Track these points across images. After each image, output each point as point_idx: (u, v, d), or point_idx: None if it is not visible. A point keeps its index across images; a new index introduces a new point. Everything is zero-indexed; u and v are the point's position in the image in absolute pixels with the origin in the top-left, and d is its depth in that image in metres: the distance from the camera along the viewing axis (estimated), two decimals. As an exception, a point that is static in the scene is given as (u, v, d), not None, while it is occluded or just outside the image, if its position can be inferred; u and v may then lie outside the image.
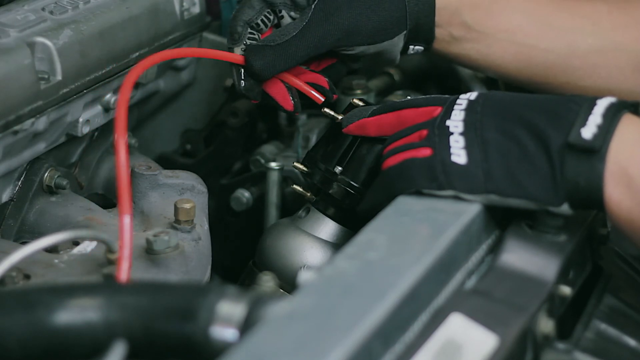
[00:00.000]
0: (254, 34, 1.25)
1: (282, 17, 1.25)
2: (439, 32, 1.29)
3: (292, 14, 1.25)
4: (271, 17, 1.25)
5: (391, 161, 1.10)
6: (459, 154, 1.05)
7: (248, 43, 1.24)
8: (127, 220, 1.01)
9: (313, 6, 1.22)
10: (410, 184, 1.07)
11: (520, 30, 1.31)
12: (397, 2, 1.26)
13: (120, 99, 1.06)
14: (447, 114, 1.09)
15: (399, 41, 1.28)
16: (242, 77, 1.25)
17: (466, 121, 1.07)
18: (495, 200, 1.05)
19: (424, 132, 1.09)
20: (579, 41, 1.31)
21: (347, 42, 1.25)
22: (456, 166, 1.05)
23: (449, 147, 1.06)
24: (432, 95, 1.16)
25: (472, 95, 1.10)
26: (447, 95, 1.13)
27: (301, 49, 1.22)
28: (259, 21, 1.25)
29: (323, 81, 1.28)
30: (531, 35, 1.31)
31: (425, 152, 1.07)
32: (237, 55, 1.24)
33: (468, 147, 1.05)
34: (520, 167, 1.03)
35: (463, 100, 1.10)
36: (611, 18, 1.32)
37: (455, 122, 1.07)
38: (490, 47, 1.31)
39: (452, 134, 1.07)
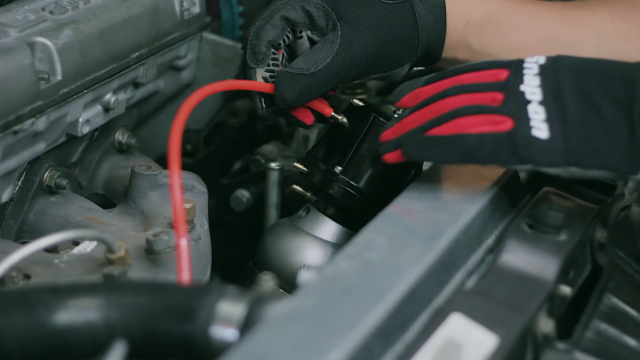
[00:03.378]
0: (275, 54, 1.23)
1: (301, 37, 1.23)
2: (444, 55, 1.29)
3: (310, 34, 1.23)
4: (290, 36, 1.23)
5: (466, 125, 1.07)
6: (540, 128, 1.04)
7: (270, 64, 1.22)
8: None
9: (340, 32, 1.20)
10: (491, 158, 1.06)
11: (525, 47, 1.31)
12: (411, 32, 1.24)
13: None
14: (519, 78, 1.08)
15: (407, 67, 1.28)
16: (264, 104, 1.22)
17: (544, 88, 1.06)
18: (575, 172, 1.05)
19: (499, 96, 1.07)
20: (583, 54, 1.31)
21: (367, 72, 1.24)
22: (538, 141, 1.04)
23: (529, 119, 1.05)
24: (490, 60, 1.14)
25: (540, 59, 1.09)
26: (505, 59, 1.12)
27: (332, 77, 1.20)
28: (281, 41, 1.22)
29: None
30: (535, 52, 1.31)
31: (506, 125, 1.05)
32: (265, 84, 1.21)
33: (549, 120, 1.05)
34: (601, 138, 1.04)
35: (532, 64, 1.09)
36: (614, 29, 1.32)
37: (531, 88, 1.07)
38: None
39: (529, 102, 1.06)
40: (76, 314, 0.87)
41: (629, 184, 1.21)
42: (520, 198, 1.15)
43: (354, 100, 1.27)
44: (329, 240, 1.27)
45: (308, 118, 1.25)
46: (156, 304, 0.88)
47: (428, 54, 1.28)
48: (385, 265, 0.95)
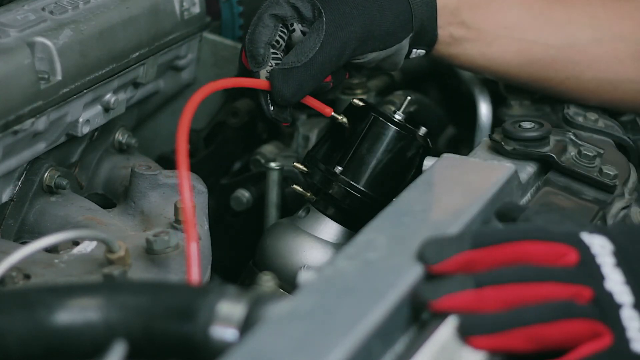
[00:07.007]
0: (277, 53, 1.23)
1: (294, 30, 1.23)
2: (440, 33, 1.30)
3: (301, 27, 1.23)
4: (285, 32, 1.23)
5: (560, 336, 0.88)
6: (638, 339, 0.88)
7: (273, 64, 1.21)
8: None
9: (324, 19, 1.20)
10: None
11: (520, 25, 1.32)
12: (402, 5, 1.26)
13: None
14: (597, 271, 0.90)
15: (405, 45, 1.28)
16: (270, 102, 1.22)
17: (631, 285, 0.90)
18: None
19: (587, 292, 0.89)
20: (578, 34, 1.32)
21: (361, 49, 1.23)
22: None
23: (625, 328, 0.88)
24: (543, 228, 0.94)
25: (605, 244, 0.92)
26: (557, 231, 0.94)
27: (325, 64, 1.20)
28: (278, 38, 1.23)
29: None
30: (530, 31, 1.32)
31: (605, 340, 0.88)
32: (263, 81, 1.21)
33: None
34: None
35: (601, 249, 0.92)
36: (606, 10, 1.33)
37: (618, 285, 0.90)
38: (490, 46, 1.31)
39: (620, 306, 0.89)
40: (76, 314, 0.87)
41: (629, 183, 1.21)
42: (520, 198, 1.15)
43: (354, 100, 1.27)
44: (329, 240, 1.27)
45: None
46: (156, 304, 0.88)
47: (423, 29, 1.28)
48: (385, 265, 0.95)
